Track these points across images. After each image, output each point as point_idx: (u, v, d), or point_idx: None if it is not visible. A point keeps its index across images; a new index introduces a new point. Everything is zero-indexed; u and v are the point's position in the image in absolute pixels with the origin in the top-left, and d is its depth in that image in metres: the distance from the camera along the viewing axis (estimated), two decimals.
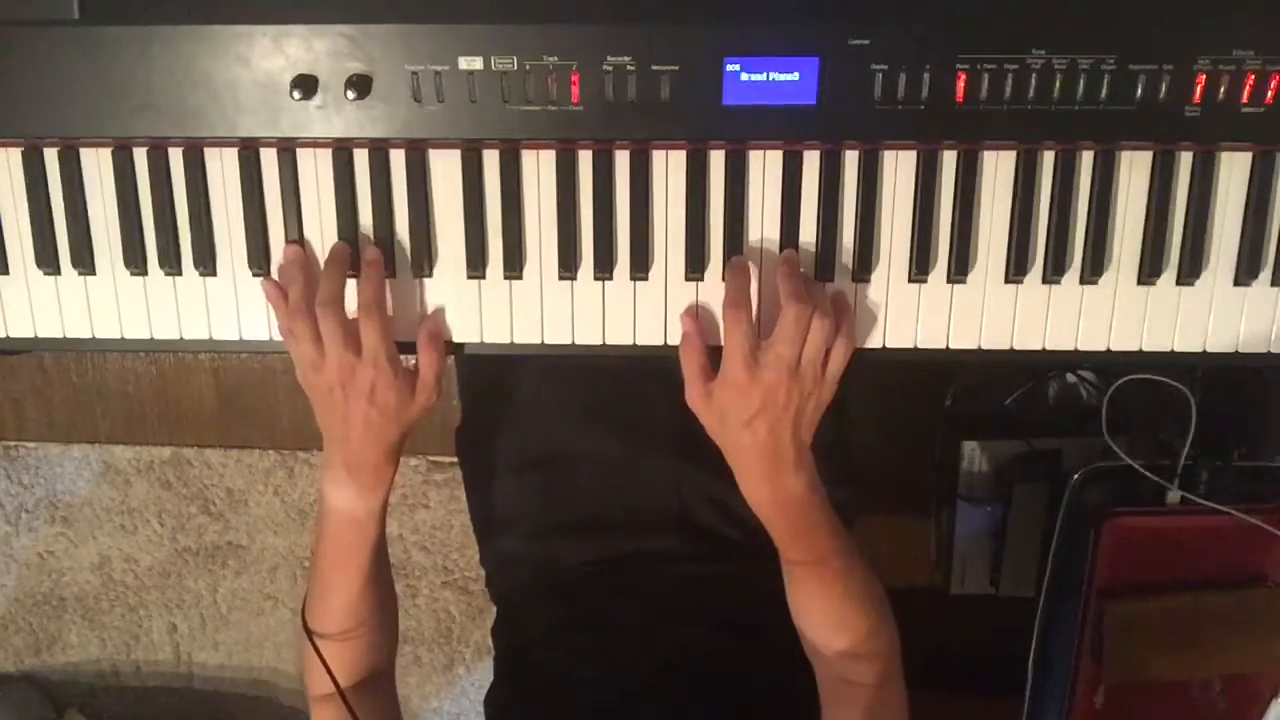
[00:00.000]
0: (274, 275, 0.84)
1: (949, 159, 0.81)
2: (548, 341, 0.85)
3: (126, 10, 0.77)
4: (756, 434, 0.79)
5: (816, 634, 0.88)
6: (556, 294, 0.84)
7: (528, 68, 0.78)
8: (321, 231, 0.83)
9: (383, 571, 0.91)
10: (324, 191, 0.83)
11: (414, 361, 0.83)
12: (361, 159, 0.82)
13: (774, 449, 0.79)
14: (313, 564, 0.89)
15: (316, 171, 0.82)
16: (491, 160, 0.82)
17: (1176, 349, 0.84)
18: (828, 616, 0.87)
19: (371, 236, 0.83)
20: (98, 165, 0.83)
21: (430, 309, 0.84)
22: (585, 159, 0.81)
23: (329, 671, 0.87)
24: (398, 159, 0.82)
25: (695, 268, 0.83)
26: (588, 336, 0.85)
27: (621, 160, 0.82)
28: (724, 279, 0.82)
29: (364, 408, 0.80)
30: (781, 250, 0.82)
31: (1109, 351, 0.84)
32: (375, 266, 0.81)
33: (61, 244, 0.84)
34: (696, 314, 0.83)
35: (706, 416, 0.82)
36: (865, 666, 0.87)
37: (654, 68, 0.77)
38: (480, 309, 0.84)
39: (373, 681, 0.93)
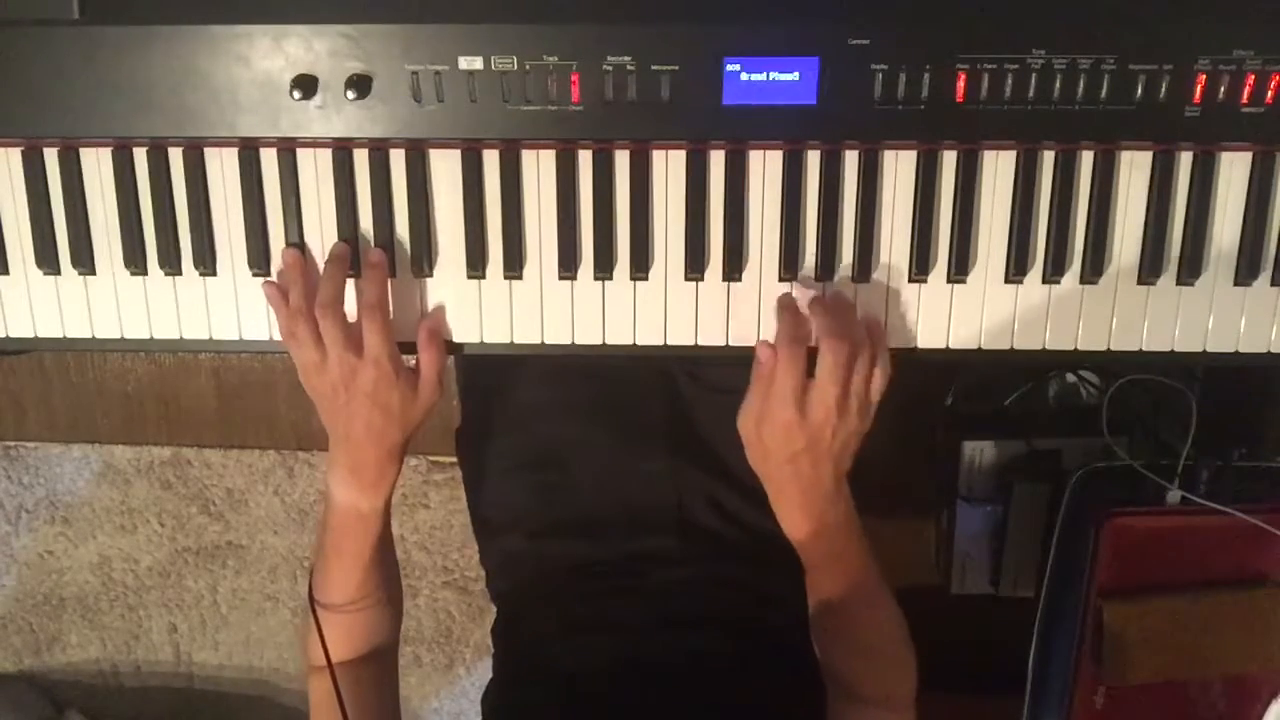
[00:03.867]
0: (274, 277, 0.84)
1: (949, 159, 0.81)
2: (548, 341, 0.85)
3: (126, 10, 0.77)
4: (799, 469, 0.80)
5: (836, 657, 0.88)
6: (556, 294, 0.84)
7: (528, 68, 0.78)
8: (321, 231, 0.83)
9: (386, 555, 0.92)
10: (324, 191, 0.83)
11: (415, 361, 0.83)
12: (361, 159, 0.82)
13: (814, 481, 0.80)
14: (317, 545, 0.90)
15: (316, 171, 0.82)
16: (491, 160, 0.82)
17: (1176, 349, 0.84)
18: (850, 641, 0.88)
19: (371, 236, 0.83)
20: (98, 165, 0.83)
21: (430, 309, 0.84)
22: (585, 159, 0.81)
23: (323, 644, 0.88)
24: (398, 159, 0.82)
25: (695, 268, 0.83)
26: (588, 336, 0.85)
27: (621, 160, 0.82)
28: (776, 316, 0.82)
29: (366, 409, 0.80)
30: (783, 250, 0.82)
31: (1109, 351, 0.84)
32: (378, 268, 0.81)
33: (61, 244, 0.84)
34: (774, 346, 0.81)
35: (753, 444, 0.82)
36: (880, 693, 0.88)
37: (654, 68, 0.77)
38: (480, 309, 0.84)
39: (375, 656, 0.94)
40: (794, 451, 0.79)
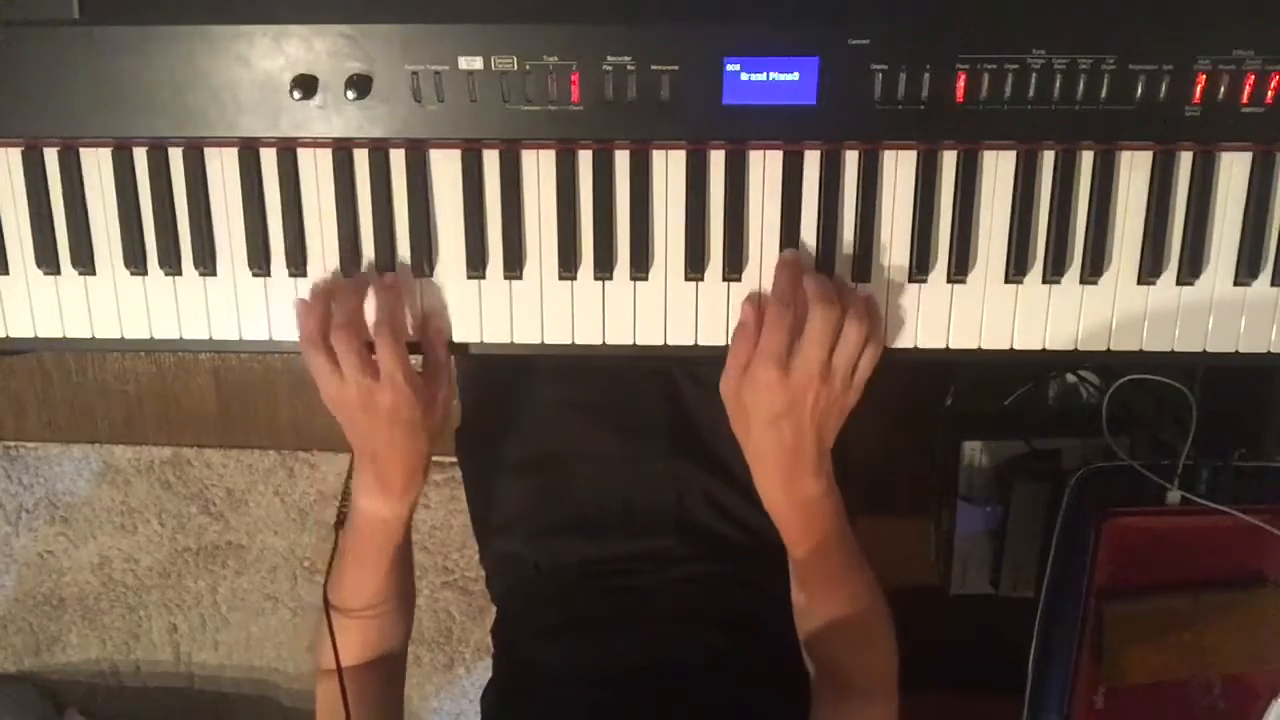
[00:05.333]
0: (273, 278, 0.84)
1: (949, 159, 0.81)
2: (548, 341, 0.85)
3: (126, 10, 0.77)
4: (781, 434, 0.78)
5: (815, 638, 0.88)
6: (556, 294, 0.84)
7: (528, 68, 0.78)
8: (322, 232, 0.83)
9: (405, 562, 0.94)
10: (324, 191, 0.83)
11: (420, 362, 0.83)
12: (361, 159, 0.82)
13: (795, 450, 0.79)
14: (338, 549, 0.90)
15: (316, 171, 0.82)
16: (491, 160, 0.82)
17: (1176, 349, 0.84)
18: (829, 622, 0.87)
19: (372, 236, 0.83)
20: (98, 165, 0.83)
21: (430, 309, 0.84)
22: (585, 159, 0.81)
23: (334, 646, 0.89)
24: (398, 159, 0.82)
25: (695, 268, 0.83)
26: (588, 336, 0.85)
27: (621, 160, 0.82)
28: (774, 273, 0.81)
29: (387, 429, 0.80)
30: (782, 251, 0.82)
31: (1109, 351, 0.84)
32: (391, 290, 0.82)
33: (61, 244, 0.84)
34: (759, 304, 0.81)
35: (734, 409, 0.81)
36: (861, 676, 0.87)
37: (654, 68, 0.77)
38: (480, 309, 0.84)
39: (383, 663, 0.95)
40: (775, 413, 0.77)
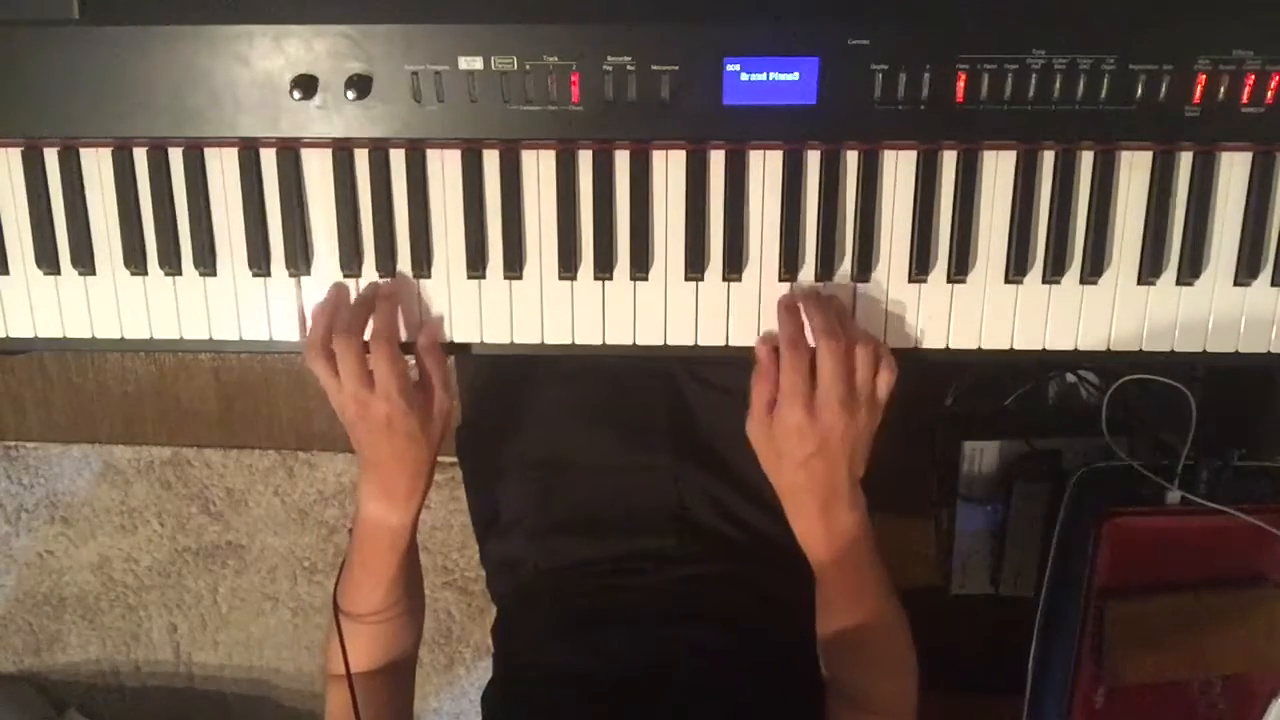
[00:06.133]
0: (273, 278, 0.84)
1: (949, 159, 0.81)
2: (548, 341, 0.85)
3: (126, 10, 0.77)
4: (814, 472, 0.79)
5: (839, 660, 0.88)
6: (556, 294, 0.84)
7: (528, 68, 0.78)
8: (322, 232, 0.83)
9: (412, 568, 0.93)
10: (324, 191, 0.83)
11: (413, 363, 0.83)
12: (361, 159, 0.82)
13: (829, 485, 0.80)
14: (346, 555, 0.91)
15: (316, 172, 0.82)
16: (491, 160, 0.82)
17: (1176, 349, 0.84)
18: (855, 645, 0.87)
19: (371, 237, 0.83)
20: (98, 165, 0.83)
21: (430, 309, 0.84)
22: (585, 159, 0.81)
23: (344, 651, 0.89)
24: (398, 159, 0.82)
25: (695, 268, 0.83)
26: (588, 336, 0.85)
27: (621, 160, 0.82)
28: (777, 317, 0.82)
29: (387, 438, 0.81)
30: (783, 250, 0.82)
31: (1109, 351, 0.84)
32: (389, 300, 0.82)
33: (61, 244, 0.84)
34: (772, 344, 0.82)
35: (765, 451, 0.82)
36: (882, 700, 0.88)
37: (654, 68, 0.77)
38: (480, 309, 0.84)
39: (394, 668, 0.96)
40: (807, 454, 0.78)
